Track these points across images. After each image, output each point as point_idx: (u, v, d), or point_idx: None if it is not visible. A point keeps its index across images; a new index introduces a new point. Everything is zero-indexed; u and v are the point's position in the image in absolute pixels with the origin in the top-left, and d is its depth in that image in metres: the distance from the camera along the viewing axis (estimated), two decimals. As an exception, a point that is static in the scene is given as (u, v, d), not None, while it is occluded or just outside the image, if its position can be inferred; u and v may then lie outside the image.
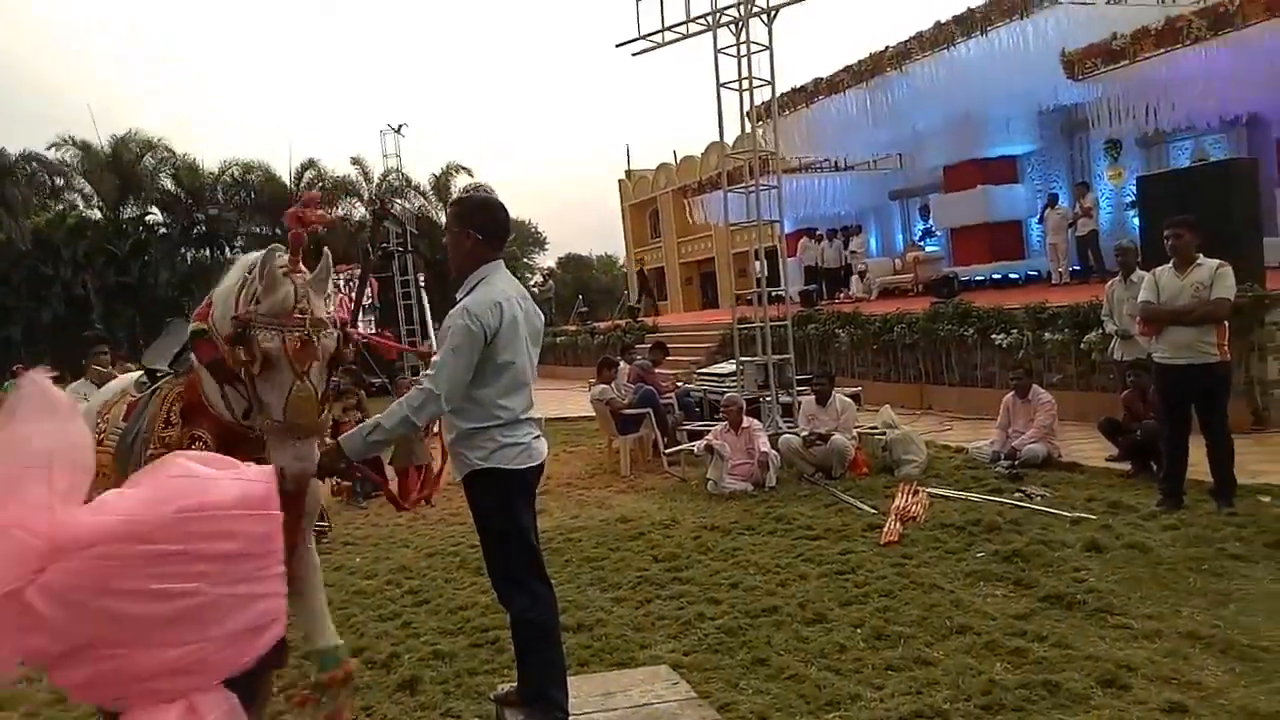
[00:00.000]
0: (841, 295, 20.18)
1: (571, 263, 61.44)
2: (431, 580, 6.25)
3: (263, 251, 2.84)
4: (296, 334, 2.74)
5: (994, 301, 12.27)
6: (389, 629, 5.34)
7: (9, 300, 33.38)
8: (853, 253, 21.04)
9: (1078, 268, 16.01)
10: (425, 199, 38.79)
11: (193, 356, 3.13)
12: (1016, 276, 17.55)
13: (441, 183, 39.48)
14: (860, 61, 17.92)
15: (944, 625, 4.65)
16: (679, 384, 11.92)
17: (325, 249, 2.95)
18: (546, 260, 56.68)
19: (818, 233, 21.55)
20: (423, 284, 19.30)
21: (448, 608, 5.61)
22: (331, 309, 2.94)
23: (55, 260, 34.22)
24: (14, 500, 0.89)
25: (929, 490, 7.38)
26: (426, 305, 18.72)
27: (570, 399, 15.74)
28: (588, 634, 4.89)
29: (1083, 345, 9.81)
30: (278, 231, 36.52)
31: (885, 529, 6.40)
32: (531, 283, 48.32)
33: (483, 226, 3.37)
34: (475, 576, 6.18)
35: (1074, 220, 15.59)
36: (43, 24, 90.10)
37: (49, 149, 35.92)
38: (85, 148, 35.71)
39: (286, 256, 2.83)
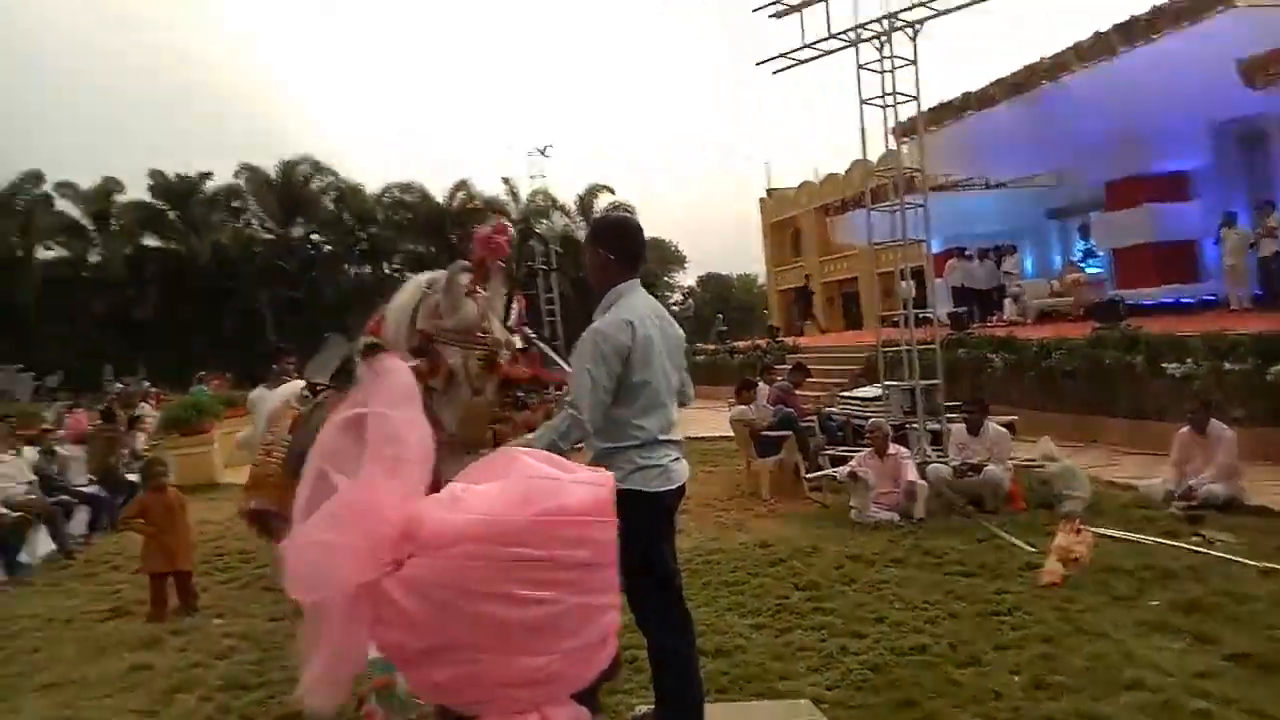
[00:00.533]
0: (994, 318, 19.33)
1: (711, 281, 61.48)
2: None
3: (445, 271, 2.96)
4: (478, 352, 2.83)
5: (1165, 328, 11.46)
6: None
7: (194, 313, 36.24)
8: (1006, 273, 20.14)
9: (1259, 292, 14.75)
10: (569, 218, 39.84)
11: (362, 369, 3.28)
12: (1190, 301, 16.33)
13: (585, 202, 40.45)
14: (1013, 74, 17.18)
15: (1113, 678, 4.33)
16: (821, 406, 11.67)
17: (500, 268, 3.04)
18: (686, 279, 56.98)
19: (968, 252, 20.76)
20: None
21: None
22: (508, 327, 3.03)
23: (234, 276, 36.98)
24: (374, 487, 0.90)
25: (1094, 529, 6.91)
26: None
27: (709, 418, 15.67)
28: (726, 660, 4.82)
29: (1269, 376, 9.02)
30: (432, 249, 38.32)
31: (1045, 569, 6.02)
32: (671, 301, 48.69)
33: (617, 248, 3.37)
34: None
35: (1255, 241, 14.39)
36: (230, 48, 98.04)
37: (235, 175, 38.85)
38: (253, 170, 38.43)
39: (469, 277, 2.93)
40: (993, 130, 17.83)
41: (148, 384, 27.72)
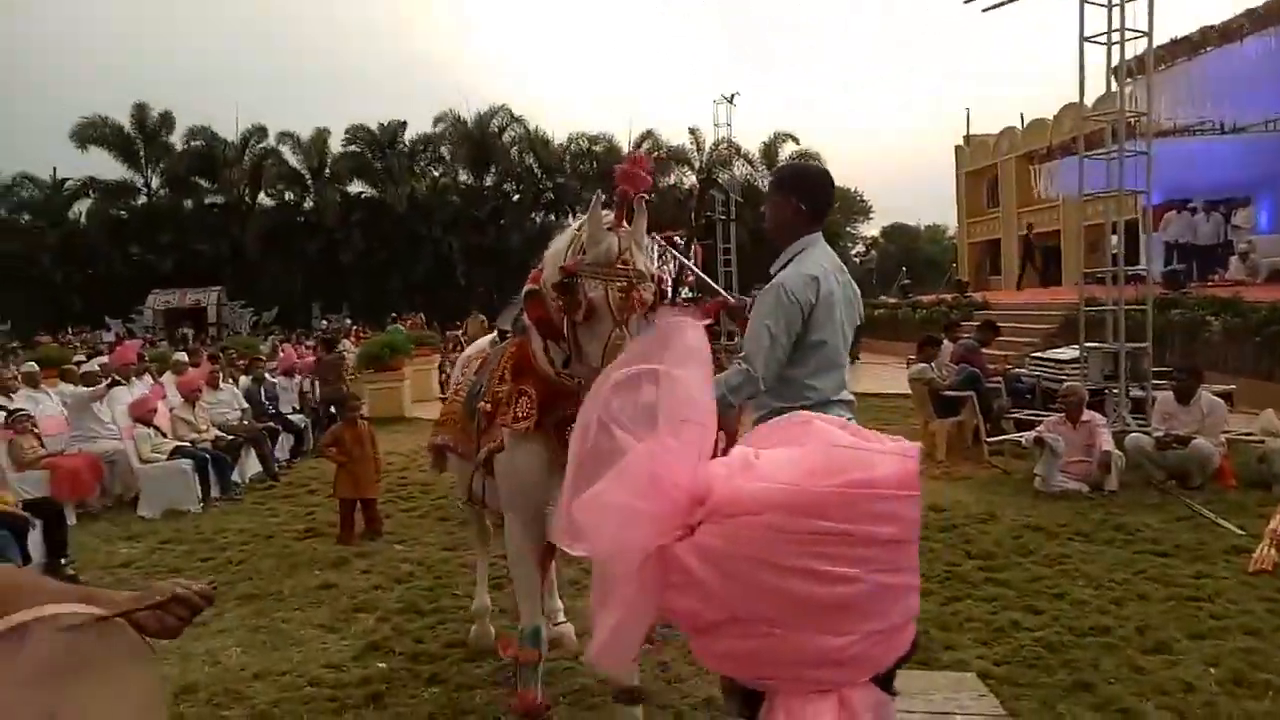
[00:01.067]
0: (1216, 277, 17.46)
1: (896, 232, 59.10)
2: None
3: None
4: (619, 284, 2.82)
5: None
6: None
7: (391, 257, 38.56)
8: (1235, 227, 18.09)
9: None
10: (753, 167, 39.24)
11: (524, 316, 3.33)
12: None
13: (770, 151, 39.70)
14: (1267, 3, 15.20)
15: (1330, 681, 3.85)
16: (1009, 367, 10.97)
17: (643, 203, 3.01)
18: (870, 230, 55.00)
19: (1191, 204, 18.78)
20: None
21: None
22: (654, 264, 3.00)
23: (428, 222, 38.98)
24: (666, 450, 0.89)
25: (1319, 515, 6.15)
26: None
27: (887, 375, 15.16)
28: (887, 625, 4.64)
29: None
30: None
31: (1256, 555, 5.42)
32: (854, 252, 47.19)
33: (806, 196, 3.22)
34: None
35: None
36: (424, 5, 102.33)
37: (435, 125, 40.71)
38: (457, 121, 40.08)
39: (610, 211, 2.93)
40: (1237, 67, 15.90)
41: (350, 321, 29.84)
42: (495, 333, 4.43)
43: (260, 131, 40.30)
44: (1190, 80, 16.85)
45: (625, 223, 2.94)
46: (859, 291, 3.37)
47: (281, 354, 15.04)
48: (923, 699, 3.45)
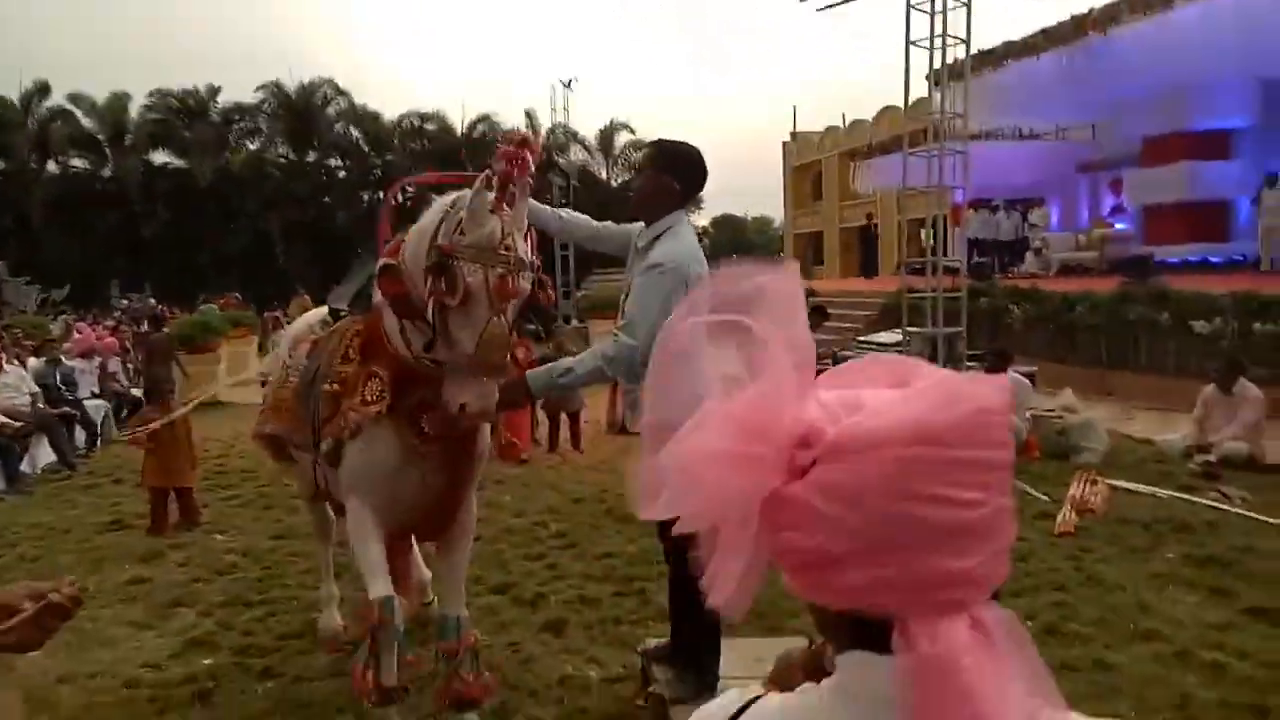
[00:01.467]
0: (1014, 270, 19.01)
1: (726, 223, 60.84)
2: (578, 525, 6.24)
3: (468, 190, 2.77)
4: (499, 271, 2.66)
5: (1192, 285, 11.18)
6: (536, 569, 5.35)
7: (201, 232, 36.03)
8: (1031, 225, 19.72)
9: (1295, 254, 14.40)
10: (589, 154, 39.25)
11: (376, 292, 3.11)
12: (1218, 260, 15.97)
13: (605, 138, 39.86)
14: (1060, 24, 16.65)
15: (1127, 628, 4.24)
16: (835, 351, 11.50)
17: (525, 187, 2.84)
18: (700, 220, 56.31)
19: (994, 203, 20.34)
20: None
21: (593, 553, 5.58)
22: (529, 250, 2.85)
23: (242, 197, 36.65)
24: (767, 395, 0.84)
25: (1110, 482, 6.78)
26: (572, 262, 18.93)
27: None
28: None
29: (1300, 338, 8.79)
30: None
31: (1059, 519, 5.92)
32: (685, 242, 48.15)
33: (682, 176, 3.22)
34: (621, 525, 6.13)
35: (1296, 201, 14.00)
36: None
37: (255, 91, 38.17)
38: (278, 90, 37.82)
39: (493, 193, 2.74)
40: (1033, 80, 17.29)
41: (153, 301, 27.64)
42: (325, 311, 4.09)
43: (43, 90, 36.51)
44: (993, 89, 18.16)
45: (505, 206, 2.76)
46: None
47: (78, 334, 13.76)
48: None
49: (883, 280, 20.03)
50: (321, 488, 3.62)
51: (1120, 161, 18.98)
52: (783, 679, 1.40)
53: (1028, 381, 8.32)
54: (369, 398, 3.00)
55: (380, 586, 3.13)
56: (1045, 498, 6.51)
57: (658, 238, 3.16)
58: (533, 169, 2.89)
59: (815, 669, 1.48)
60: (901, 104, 10.99)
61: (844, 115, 30.82)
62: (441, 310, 2.71)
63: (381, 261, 3.02)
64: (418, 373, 2.98)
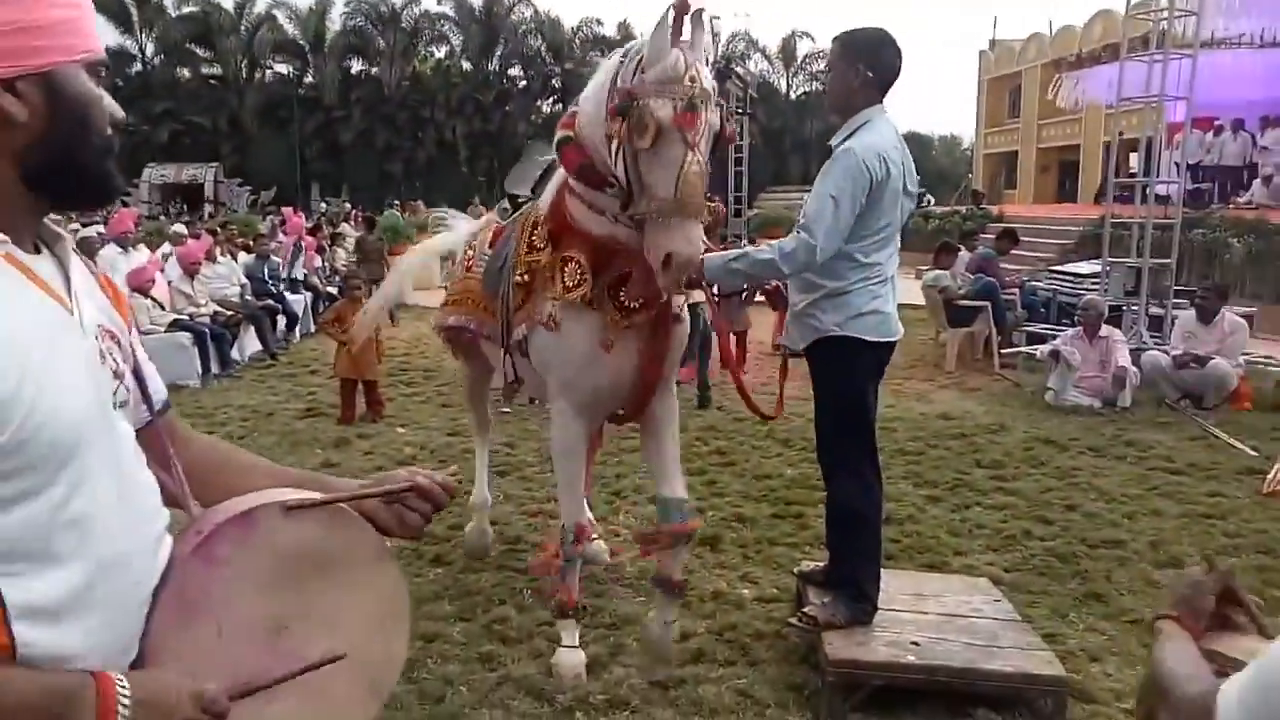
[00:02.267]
0: (1237, 200, 17.07)
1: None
2: (739, 444, 6.21)
3: (642, 38, 2.64)
4: (687, 101, 2.53)
5: None
6: (694, 484, 5.37)
7: (392, 139, 37.68)
8: (1263, 149, 17.57)
9: None
10: (769, 63, 38.08)
11: (558, 172, 3.03)
12: None
13: (787, 47, 38.47)
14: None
15: (1342, 601, 3.81)
16: (1024, 280, 10.77)
17: (701, 17, 2.67)
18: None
19: (1219, 122, 18.19)
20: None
21: (753, 474, 5.54)
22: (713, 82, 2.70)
23: (430, 105, 37.94)
24: None
25: (1336, 440, 6.08)
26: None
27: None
28: (898, 528, 4.57)
29: None
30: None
31: (1269, 477, 5.36)
32: (865, 160, 46.09)
33: (874, 64, 3.00)
34: (782, 448, 6.06)
35: None
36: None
37: (440, 2, 39.12)
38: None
39: (670, 27, 2.59)
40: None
41: (349, 205, 29.29)
42: (505, 201, 4.03)
43: (252, -1, 38.79)
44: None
45: (686, 37, 2.61)
46: (914, 173, 3.17)
47: (288, 222, 14.79)
48: (935, 600, 3.38)
49: (1084, 206, 18.52)
50: (511, 380, 3.52)
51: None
52: (1193, 605, 1.36)
53: (1244, 323, 7.52)
54: (569, 284, 2.91)
55: (574, 510, 3.18)
56: (1254, 452, 5.93)
57: (851, 134, 2.98)
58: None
59: (1227, 593, 1.37)
60: (1121, 5, 9.89)
61: (1050, 21, 28.31)
62: (634, 158, 2.60)
63: (559, 134, 2.93)
64: (612, 249, 2.87)
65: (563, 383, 3.09)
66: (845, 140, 2.96)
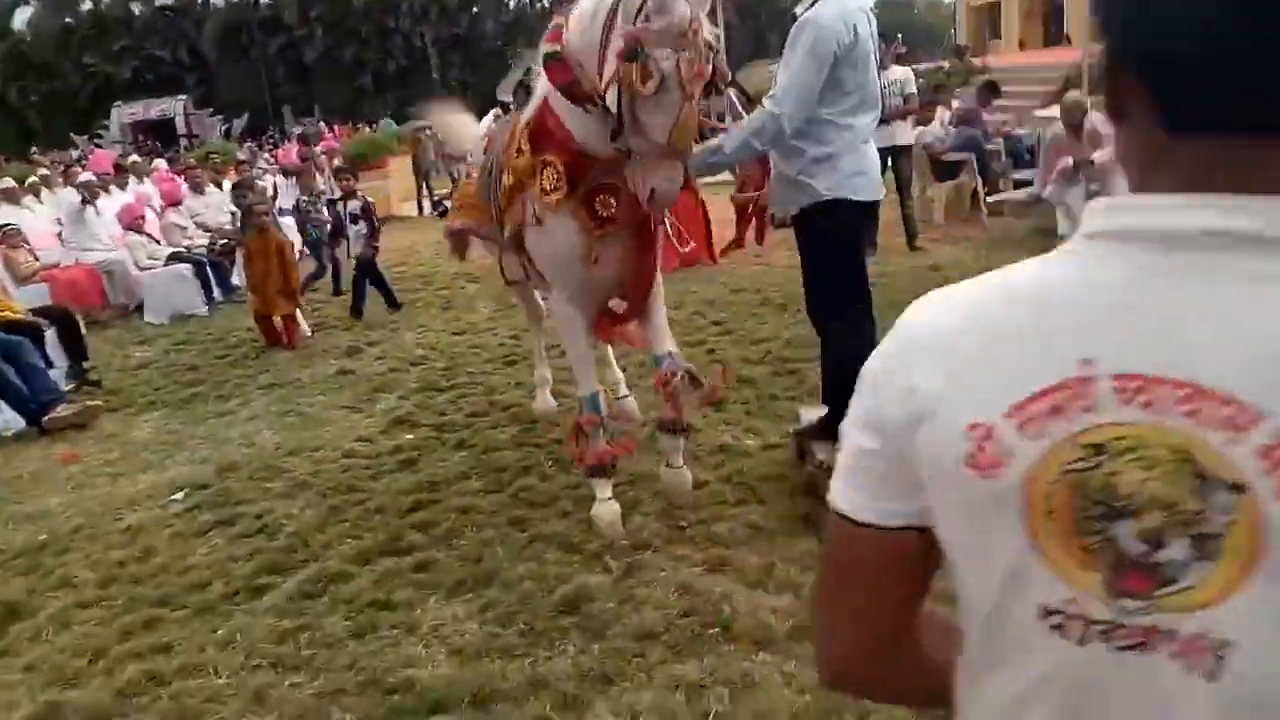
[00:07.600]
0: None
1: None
2: (736, 313, 6.40)
3: None
4: (691, 55, 2.62)
5: None
6: (695, 354, 5.56)
7: (360, 53, 36.74)
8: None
9: None
10: (736, -67, 36.61)
11: (541, 81, 3.12)
12: None
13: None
14: None
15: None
16: (1008, 129, 10.74)
17: None
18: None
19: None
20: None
21: (750, 339, 5.75)
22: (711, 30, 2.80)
23: (395, 14, 36.85)
24: None
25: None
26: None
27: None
28: (891, 375, 4.78)
29: None
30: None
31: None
32: (845, 24, 44.74)
33: None
34: (779, 314, 6.25)
35: None
36: None
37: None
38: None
39: None
40: None
41: (322, 124, 28.77)
42: (497, 107, 4.19)
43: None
44: None
45: None
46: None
47: (280, 153, 14.67)
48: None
49: (1071, 50, 18.19)
50: (518, 274, 3.85)
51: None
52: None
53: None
54: (546, 186, 3.04)
55: (585, 384, 3.39)
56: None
57: (815, 1, 3.06)
58: None
59: None
60: None
61: None
62: (632, 99, 2.67)
63: (545, 49, 3.00)
64: (589, 161, 2.99)
65: (553, 275, 3.33)
66: (809, 8, 3.04)
